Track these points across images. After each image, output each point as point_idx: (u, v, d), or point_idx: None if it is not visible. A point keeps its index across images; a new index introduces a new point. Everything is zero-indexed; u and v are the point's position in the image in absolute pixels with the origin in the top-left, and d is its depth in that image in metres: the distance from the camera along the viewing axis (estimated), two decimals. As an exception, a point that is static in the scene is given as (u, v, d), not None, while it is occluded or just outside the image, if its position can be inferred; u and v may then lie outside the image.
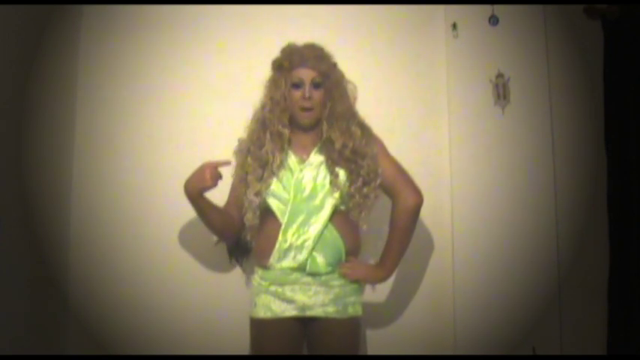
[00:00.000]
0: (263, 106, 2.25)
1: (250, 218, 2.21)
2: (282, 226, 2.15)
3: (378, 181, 2.18)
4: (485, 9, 2.63)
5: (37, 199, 2.36)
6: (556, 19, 2.64)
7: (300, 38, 2.26)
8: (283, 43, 2.27)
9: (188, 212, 2.30)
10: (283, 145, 2.20)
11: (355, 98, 2.27)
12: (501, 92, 2.61)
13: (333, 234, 2.16)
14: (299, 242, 2.14)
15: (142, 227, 2.62)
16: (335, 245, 2.17)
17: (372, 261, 2.39)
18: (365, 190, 2.16)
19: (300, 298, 2.15)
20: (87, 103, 2.68)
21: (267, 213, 2.21)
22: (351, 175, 2.16)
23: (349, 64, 2.31)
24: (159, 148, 2.66)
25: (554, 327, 2.51)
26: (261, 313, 2.17)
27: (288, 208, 2.15)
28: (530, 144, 2.59)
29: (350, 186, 2.15)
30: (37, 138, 2.36)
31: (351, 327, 2.18)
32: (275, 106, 2.20)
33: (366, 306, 2.27)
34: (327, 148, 2.19)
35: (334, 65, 2.25)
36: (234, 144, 2.30)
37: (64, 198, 2.60)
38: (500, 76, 2.62)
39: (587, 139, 2.61)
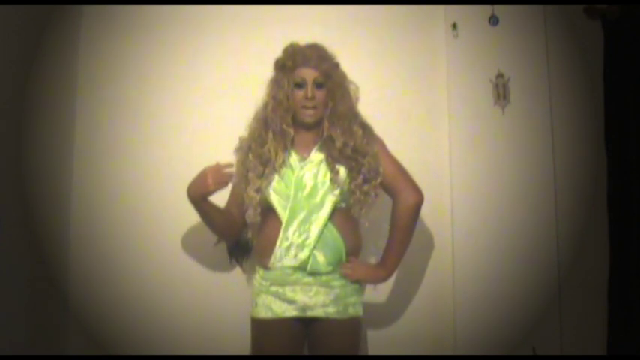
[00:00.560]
0: (265, 106, 2.25)
1: (251, 215, 2.21)
2: (283, 224, 2.15)
3: (379, 179, 2.18)
4: (485, 9, 2.63)
5: (37, 199, 2.36)
6: (556, 19, 2.64)
7: (301, 38, 2.26)
8: (284, 43, 2.26)
9: (188, 212, 2.30)
10: (286, 143, 2.20)
11: (357, 98, 2.28)
12: (501, 92, 2.61)
13: (333, 233, 2.16)
14: (300, 240, 2.14)
15: (142, 227, 2.62)
16: (335, 244, 2.17)
17: (373, 260, 2.39)
18: (365, 187, 2.16)
19: (301, 298, 2.15)
20: (87, 103, 2.68)
21: (267, 212, 2.21)
22: (352, 172, 2.16)
23: (349, 64, 2.31)
24: (159, 148, 2.66)
25: (554, 327, 2.51)
26: (262, 313, 2.17)
27: (289, 206, 2.15)
28: (530, 144, 2.59)
29: (350, 183, 2.15)
30: (37, 138, 2.36)
31: (351, 327, 2.18)
32: (278, 105, 2.20)
33: (366, 306, 2.27)
34: (327, 146, 2.19)
35: (337, 65, 2.25)
36: (235, 143, 2.30)
37: (64, 198, 2.60)
38: (500, 76, 2.62)
39: (587, 139, 2.61)
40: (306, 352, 2.24)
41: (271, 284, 2.18)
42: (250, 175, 2.20)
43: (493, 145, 2.60)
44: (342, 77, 2.25)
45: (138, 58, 2.70)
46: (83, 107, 2.68)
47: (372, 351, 2.57)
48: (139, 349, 2.54)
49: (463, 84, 2.63)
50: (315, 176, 2.17)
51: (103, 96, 2.68)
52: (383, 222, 2.27)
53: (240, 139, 2.29)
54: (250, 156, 2.22)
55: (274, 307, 2.16)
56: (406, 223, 2.21)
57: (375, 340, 2.57)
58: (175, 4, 2.70)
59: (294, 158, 2.21)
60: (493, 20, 2.63)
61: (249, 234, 2.29)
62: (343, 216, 2.18)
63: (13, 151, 2.19)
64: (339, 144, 2.17)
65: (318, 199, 2.16)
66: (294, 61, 2.19)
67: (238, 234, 2.36)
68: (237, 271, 2.56)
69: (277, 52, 2.26)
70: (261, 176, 2.19)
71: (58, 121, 2.56)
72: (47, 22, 2.42)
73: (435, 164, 2.65)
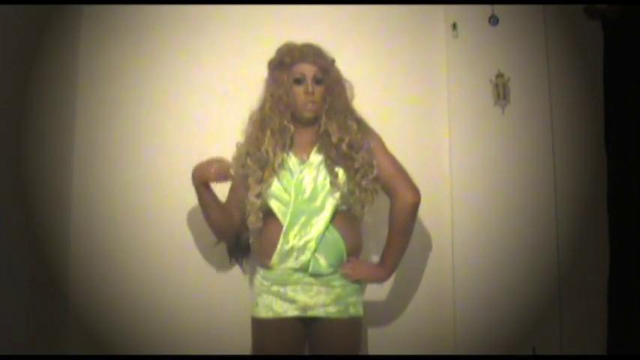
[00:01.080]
0: (262, 106, 2.25)
1: (253, 221, 2.21)
2: (284, 228, 2.15)
3: (375, 172, 2.17)
4: (485, 9, 2.63)
5: (37, 199, 2.36)
6: (556, 19, 2.64)
7: (300, 38, 2.26)
8: (282, 44, 2.27)
9: (188, 212, 2.31)
10: (285, 141, 2.20)
11: (352, 96, 2.28)
12: (501, 92, 2.61)
13: (334, 235, 2.16)
14: (301, 244, 2.14)
15: (142, 227, 2.61)
16: (336, 246, 2.17)
17: (375, 259, 2.39)
18: (363, 183, 2.16)
19: (302, 298, 2.15)
20: (87, 103, 2.68)
21: (268, 214, 2.21)
22: (349, 171, 2.16)
23: (349, 64, 2.32)
24: (159, 148, 2.66)
25: (554, 327, 2.51)
26: (263, 313, 2.17)
27: (290, 210, 2.15)
28: (530, 144, 2.59)
29: (349, 182, 2.15)
30: (37, 138, 2.36)
31: (352, 327, 2.18)
32: (278, 102, 2.20)
33: (366, 306, 2.27)
34: (325, 145, 2.19)
35: (332, 62, 2.26)
36: (234, 144, 2.30)
37: (64, 198, 2.60)
38: (500, 76, 2.62)
39: (587, 139, 2.61)
40: (307, 352, 2.24)
41: (272, 284, 2.18)
42: (250, 180, 2.20)
43: (493, 145, 2.60)
44: (338, 74, 2.26)
45: (138, 58, 2.70)
46: (83, 107, 2.68)
47: (372, 351, 2.57)
48: (139, 349, 2.54)
49: (463, 84, 2.63)
50: (315, 179, 2.17)
51: (103, 96, 2.68)
52: (383, 221, 2.27)
53: (237, 145, 2.28)
54: (249, 161, 2.21)
55: (275, 306, 2.16)
56: (404, 223, 2.21)
57: (376, 340, 2.57)
58: (175, 4, 2.70)
59: (293, 161, 2.20)
60: (493, 20, 2.63)
61: (250, 238, 2.28)
62: (344, 217, 2.18)
63: (13, 151, 2.19)
64: (334, 139, 2.16)
65: (318, 202, 2.15)
66: (293, 57, 2.19)
67: (236, 234, 2.36)
68: (238, 271, 2.56)
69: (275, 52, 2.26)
70: (260, 181, 2.18)
71: (58, 121, 2.56)
72: (47, 22, 2.42)
73: (435, 164, 2.65)
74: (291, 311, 2.15)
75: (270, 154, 2.18)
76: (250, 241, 2.31)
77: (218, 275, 2.60)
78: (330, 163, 2.17)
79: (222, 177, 2.21)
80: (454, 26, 2.65)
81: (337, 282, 2.17)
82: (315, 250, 2.14)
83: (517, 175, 2.57)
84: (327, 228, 2.15)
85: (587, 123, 2.61)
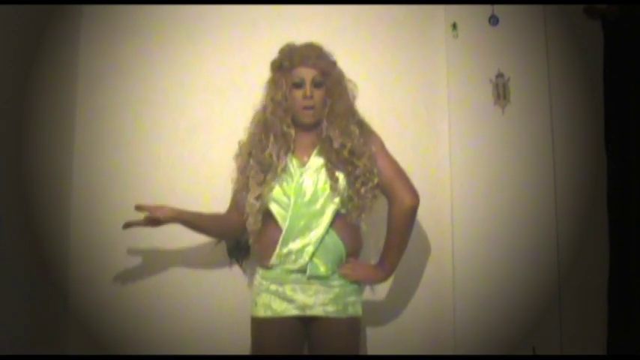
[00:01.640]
0: (264, 108, 2.25)
1: (252, 223, 2.21)
2: (283, 232, 2.15)
3: (375, 181, 2.17)
4: (485, 9, 2.63)
5: (37, 199, 2.36)
6: (556, 19, 2.64)
7: (300, 38, 2.26)
8: (283, 43, 2.27)
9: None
10: (289, 145, 2.20)
11: (355, 96, 2.27)
12: (501, 92, 2.61)
13: (333, 238, 2.16)
14: (300, 247, 2.14)
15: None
16: (336, 250, 2.17)
17: (373, 261, 2.39)
18: (362, 190, 2.15)
19: (301, 297, 2.15)
20: (87, 103, 2.68)
21: (268, 216, 2.21)
22: (349, 177, 2.15)
23: (349, 64, 2.31)
24: (159, 148, 2.66)
25: (554, 327, 2.51)
26: (262, 312, 2.17)
27: (289, 214, 2.15)
28: (530, 144, 2.59)
29: (348, 188, 2.15)
30: (37, 138, 2.36)
31: (350, 327, 2.18)
32: (277, 106, 2.20)
33: (366, 306, 2.27)
34: (326, 149, 2.18)
35: (334, 64, 2.24)
36: (233, 143, 2.30)
37: (64, 198, 2.60)
38: (500, 76, 2.62)
39: (587, 139, 2.61)
40: (306, 352, 2.24)
41: (271, 283, 2.18)
42: (251, 182, 2.20)
43: (493, 145, 2.59)
44: (340, 75, 2.25)
45: (138, 58, 2.70)
46: (83, 107, 2.68)
47: (371, 351, 2.56)
48: (139, 349, 2.54)
49: (463, 84, 2.63)
50: (316, 183, 2.17)
51: (103, 96, 2.68)
52: (383, 222, 2.27)
53: (239, 143, 2.28)
54: (252, 162, 2.21)
55: (274, 306, 2.16)
56: (402, 226, 2.20)
57: (375, 340, 2.57)
58: (175, 4, 2.70)
59: (293, 163, 2.20)
60: (493, 20, 2.63)
61: (250, 240, 2.28)
62: (344, 220, 2.18)
63: (13, 151, 2.19)
64: (336, 145, 2.16)
65: (318, 206, 2.15)
66: (292, 61, 2.18)
67: (238, 236, 2.36)
68: (238, 271, 2.56)
69: (277, 52, 2.26)
70: (261, 183, 2.18)
71: (58, 121, 2.56)
72: (47, 22, 2.42)
73: (435, 164, 2.65)
74: (290, 310, 2.15)
75: (274, 158, 2.17)
76: (250, 242, 2.30)
77: (218, 275, 2.60)
78: (330, 167, 2.16)
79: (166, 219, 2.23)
80: (454, 26, 2.65)
81: (336, 282, 2.17)
82: (314, 254, 2.14)
83: (517, 175, 2.57)
84: (326, 232, 2.15)
85: (587, 123, 2.61)
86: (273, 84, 2.23)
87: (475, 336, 2.51)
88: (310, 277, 2.14)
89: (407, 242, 2.23)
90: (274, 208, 2.18)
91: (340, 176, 2.16)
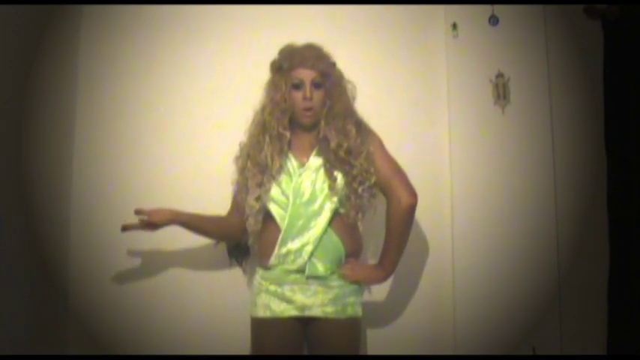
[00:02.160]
0: (263, 109, 2.25)
1: (252, 224, 2.21)
2: (282, 232, 2.15)
3: (372, 180, 2.17)
4: (485, 9, 2.63)
5: (37, 199, 2.36)
6: (556, 19, 2.64)
7: (300, 38, 2.26)
8: (283, 44, 2.27)
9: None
10: (283, 147, 2.19)
11: (354, 97, 2.27)
12: (501, 92, 2.61)
13: (332, 239, 2.16)
14: (298, 247, 2.14)
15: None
16: (334, 250, 2.17)
17: (373, 261, 2.39)
18: (359, 190, 2.15)
19: (300, 298, 2.15)
20: (87, 103, 2.68)
21: (268, 217, 2.21)
22: (346, 177, 2.15)
23: (349, 64, 2.31)
24: (159, 148, 2.66)
25: (554, 327, 2.51)
26: (261, 313, 2.17)
27: (288, 213, 2.15)
28: (530, 144, 2.59)
29: (346, 188, 2.15)
30: (37, 138, 2.36)
31: (350, 327, 2.17)
32: (275, 107, 2.20)
33: (366, 306, 2.27)
34: (324, 149, 2.18)
35: (333, 65, 2.24)
36: (233, 144, 2.31)
37: (64, 198, 2.60)
38: (500, 76, 2.62)
39: (587, 139, 2.61)
40: (306, 352, 2.24)
41: (270, 284, 2.18)
42: (250, 183, 2.20)
43: (493, 145, 2.59)
44: (339, 76, 2.25)
45: (138, 59, 2.70)
46: (83, 107, 2.68)
47: (371, 351, 2.56)
48: (139, 349, 2.54)
49: (463, 84, 2.63)
50: (314, 183, 2.17)
51: (103, 96, 2.68)
52: (383, 223, 2.27)
53: (240, 145, 2.29)
54: (249, 164, 2.21)
55: (273, 306, 2.16)
56: (400, 225, 2.19)
57: (375, 340, 2.57)
58: (175, 4, 2.70)
59: (292, 163, 2.20)
60: (493, 20, 2.63)
61: (250, 241, 2.28)
62: (342, 219, 2.18)
63: (13, 151, 2.19)
64: (333, 145, 2.16)
65: (316, 205, 2.15)
66: (291, 62, 2.18)
67: (238, 238, 2.36)
68: (238, 271, 2.56)
69: (276, 52, 2.26)
70: (260, 184, 2.18)
71: (58, 121, 2.56)
72: (47, 22, 2.42)
73: (435, 164, 2.65)
74: (289, 311, 2.15)
75: (269, 159, 2.17)
76: (250, 243, 2.30)
77: (218, 275, 2.60)
78: (329, 167, 2.16)
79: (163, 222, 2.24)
80: (454, 26, 2.65)
81: (335, 282, 2.17)
82: (313, 254, 2.13)
83: (517, 175, 2.57)
84: (325, 232, 2.14)
85: (587, 123, 2.61)
86: (273, 85, 2.22)
87: (475, 336, 2.51)
88: (309, 277, 2.14)
89: (406, 242, 2.23)
90: (273, 208, 2.18)
91: (338, 176, 2.16)
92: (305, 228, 2.14)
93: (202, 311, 2.57)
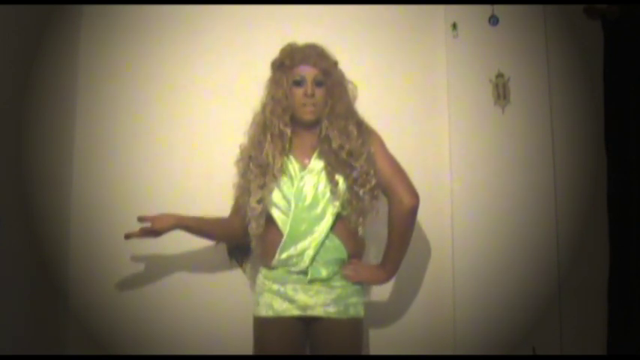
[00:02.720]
0: (263, 108, 2.24)
1: (254, 227, 2.20)
2: (284, 238, 2.14)
3: (373, 182, 2.16)
4: (485, 9, 2.63)
5: (37, 199, 2.36)
6: (556, 19, 2.64)
7: (300, 38, 2.26)
8: (283, 44, 2.26)
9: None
10: (284, 145, 2.19)
11: (355, 97, 2.27)
12: (501, 92, 2.61)
13: (334, 242, 2.16)
14: (300, 252, 2.13)
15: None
16: (337, 253, 2.16)
17: (375, 262, 2.39)
18: (360, 192, 2.14)
19: (302, 297, 2.14)
20: (87, 103, 2.68)
21: (270, 219, 2.20)
22: (347, 180, 2.14)
23: (349, 64, 2.31)
24: (159, 148, 2.66)
25: (554, 327, 2.51)
26: (263, 312, 2.17)
27: (290, 218, 2.14)
28: (530, 144, 2.59)
29: (347, 191, 2.14)
30: (37, 138, 2.36)
31: (352, 328, 2.17)
32: (276, 105, 2.19)
33: (367, 306, 2.26)
34: (325, 150, 2.17)
35: (335, 64, 2.24)
36: (233, 145, 2.30)
37: (64, 198, 2.60)
38: (500, 76, 2.62)
39: (587, 139, 2.61)
40: (308, 352, 2.24)
41: (273, 283, 2.18)
42: (252, 186, 2.19)
43: (493, 145, 2.59)
44: (341, 76, 2.25)
45: (138, 59, 2.70)
46: (83, 107, 2.68)
47: (372, 351, 2.56)
48: (139, 349, 2.54)
49: (463, 84, 2.63)
50: (316, 186, 2.16)
51: (103, 96, 2.68)
52: (385, 224, 2.26)
53: (240, 147, 2.28)
54: (251, 165, 2.21)
55: (275, 305, 2.16)
56: (402, 226, 2.19)
57: (376, 340, 2.57)
58: (175, 4, 2.70)
59: (294, 166, 2.19)
60: (493, 20, 2.63)
61: (253, 244, 2.27)
62: (344, 223, 2.17)
63: (13, 151, 2.19)
64: (334, 145, 2.15)
65: (319, 210, 2.14)
66: (293, 59, 2.18)
67: (240, 241, 2.36)
68: (239, 271, 2.56)
69: (277, 52, 2.25)
70: (262, 186, 2.17)
71: (58, 121, 2.56)
72: (47, 22, 2.42)
73: (435, 164, 2.65)
74: (291, 310, 2.15)
75: (270, 158, 2.17)
76: (252, 246, 2.30)
77: (219, 275, 2.60)
78: (330, 170, 2.15)
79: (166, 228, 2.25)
80: (454, 26, 2.65)
81: (338, 282, 2.16)
82: (315, 258, 2.13)
83: (517, 175, 2.57)
84: (327, 236, 2.14)
85: (587, 123, 2.61)
86: (274, 82, 2.22)
87: (475, 336, 2.51)
88: (312, 281, 2.14)
89: (408, 243, 2.22)
90: (275, 212, 2.17)
91: (340, 179, 2.15)
92: (308, 232, 2.13)
93: (203, 311, 2.57)
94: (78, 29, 2.69)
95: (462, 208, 2.58)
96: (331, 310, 2.14)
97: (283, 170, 2.18)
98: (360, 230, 2.19)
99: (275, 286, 2.17)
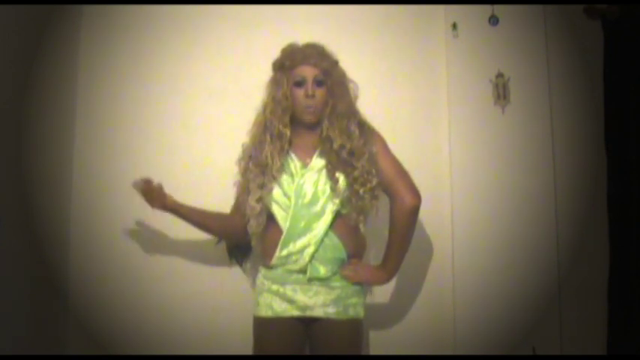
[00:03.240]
0: (264, 108, 2.24)
1: (254, 226, 2.20)
2: (284, 233, 2.14)
3: (374, 182, 2.16)
4: (485, 9, 2.63)
5: (37, 199, 2.36)
6: (556, 19, 2.64)
7: (300, 38, 2.25)
8: (283, 44, 2.26)
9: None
10: (283, 146, 2.19)
11: (356, 97, 2.27)
12: (501, 92, 2.61)
13: (333, 241, 2.16)
14: (300, 248, 2.13)
15: (142, 227, 2.61)
16: (336, 251, 2.16)
17: (376, 263, 2.39)
18: (361, 191, 2.14)
19: (301, 298, 2.14)
20: (87, 103, 2.68)
21: (270, 218, 2.20)
22: (348, 179, 2.14)
23: (349, 64, 2.31)
24: (159, 148, 2.66)
25: (554, 327, 2.51)
26: (263, 312, 2.17)
27: (290, 214, 2.14)
28: (530, 144, 2.59)
29: (347, 189, 2.14)
30: (37, 138, 2.36)
31: (351, 328, 2.17)
32: (277, 105, 2.19)
33: (366, 306, 2.26)
34: (326, 150, 2.17)
35: (336, 63, 2.23)
36: (235, 144, 2.30)
37: (64, 198, 2.60)
38: (500, 76, 2.62)
39: (587, 139, 2.61)
40: (308, 352, 2.23)
41: (272, 283, 2.18)
42: (251, 185, 2.19)
43: (493, 145, 2.60)
44: (342, 75, 2.24)
45: (138, 59, 2.70)
46: (83, 107, 2.68)
47: (372, 351, 2.57)
48: (139, 349, 2.54)
49: (463, 84, 2.63)
50: (316, 184, 2.16)
51: (103, 96, 2.68)
52: (386, 224, 2.26)
53: (242, 146, 2.28)
54: (251, 165, 2.21)
55: (275, 306, 2.16)
56: (403, 226, 2.18)
57: (376, 340, 2.57)
58: (176, 4, 2.70)
59: (295, 164, 2.19)
60: (493, 20, 2.63)
61: (253, 242, 2.27)
62: (344, 221, 2.17)
63: (13, 151, 2.19)
64: (335, 145, 2.15)
65: (318, 207, 2.14)
66: (293, 60, 2.17)
67: (240, 240, 2.35)
68: (239, 271, 2.56)
69: (278, 53, 2.25)
70: (262, 185, 2.18)
71: (58, 121, 2.56)
72: (47, 22, 2.42)
73: (435, 164, 2.65)
74: (290, 311, 2.15)
75: (269, 158, 2.17)
76: (253, 244, 2.30)
77: (219, 275, 2.60)
78: (330, 168, 2.15)
79: (156, 202, 2.24)
80: (454, 26, 2.65)
81: (337, 283, 2.16)
82: (314, 256, 2.13)
83: (517, 175, 2.57)
84: (326, 233, 2.14)
85: (587, 123, 2.61)
86: (275, 83, 2.22)
87: (475, 336, 2.51)
88: (310, 279, 2.14)
89: (409, 243, 2.22)
90: (275, 209, 2.18)
91: (340, 177, 2.15)
92: (307, 229, 2.13)
93: (203, 311, 2.57)
94: (78, 29, 2.69)
95: (462, 208, 2.58)
96: (331, 311, 2.14)
97: (284, 169, 2.18)
98: (361, 227, 2.19)
99: (274, 287, 2.17)
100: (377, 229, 2.31)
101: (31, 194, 2.31)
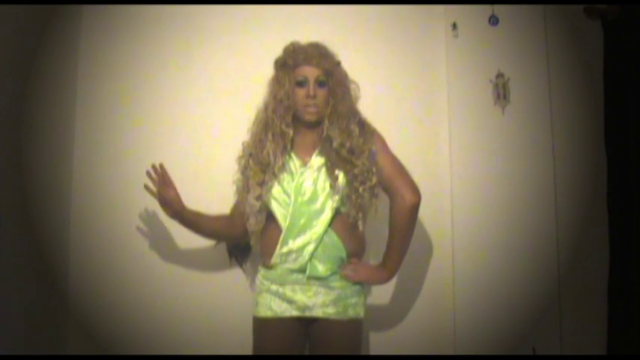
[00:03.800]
0: (266, 107, 2.24)
1: (253, 224, 2.20)
2: (284, 230, 2.15)
3: (374, 180, 2.16)
4: (485, 9, 2.63)
5: (37, 199, 2.36)
6: (556, 19, 2.64)
7: (301, 38, 2.25)
8: (284, 43, 2.26)
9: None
10: (285, 145, 2.19)
11: (357, 97, 2.27)
12: (501, 92, 2.61)
13: (332, 239, 2.16)
14: (299, 246, 2.13)
15: (142, 227, 2.62)
16: (335, 250, 2.16)
17: (376, 262, 2.39)
18: (360, 189, 2.14)
19: (300, 298, 2.14)
20: (87, 103, 2.68)
21: (269, 216, 2.20)
22: (347, 176, 2.15)
23: (349, 64, 2.31)
24: (159, 148, 2.65)
25: (554, 327, 2.51)
26: (262, 312, 2.17)
27: (289, 212, 2.15)
28: (530, 144, 2.59)
29: (347, 187, 2.15)
30: (37, 138, 2.36)
31: (351, 328, 2.17)
32: (278, 104, 2.19)
33: (366, 306, 2.26)
34: (326, 148, 2.18)
35: (338, 64, 2.24)
36: (236, 144, 2.30)
37: (64, 198, 2.60)
38: (500, 76, 2.62)
39: (587, 139, 2.61)
40: (307, 353, 2.23)
41: (272, 283, 2.18)
42: (251, 182, 2.19)
43: (493, 145, 2.60)
44: (343, 76, 2.24)
45: (138, 58, 2.70)
46: (83, 107, 2.68)
47: (372, 351, 2.57)
48: (139, 349, 2.54)
49: (463, 84, 2.63)
50: (316, 182, 2.16)
51: (102, 96, 2.68)
52: (386, 223, 2.27)
53: (243, 144, 2.28)
54: (251, 162, 2.21)
55: (274, 306, 2.16)
56: (403, 224, 2.18)
57: (376, 340, 2.57)
58: (175, 4, 2.70)
59: (294, 162, 2.20)
60: (493, 20, 2.63)
61: (252, 241, 2.27)
62: (344, 220, 2.17)
63: (13, 151, 2.19)
64: (335, 144, 2.15)
65: (318, 204, 2.14)
66: (296, 60, 2.18)
67: (240, 239, 2.35)
68: (239, 271, 2.57)
69: (278, 52, 2.25)
70: (261, 183, 2.18)
71: (58, 121, 2.56)
72: (47, 22, 2.42)
73: (435, 164, 2.65)
74: (290, 311, 2.15)
75: (271, 157, 2.17)
76: (252, 243, 2.30)
77: (219, 275, 2.60)
78: (330, 166, 2.16)
79: (167, 204, 2.25)
80: (454, 26, 2.65)
81: (337, 283, 2.16)
82: (314, 254, 2.13)
83: (517, 175, 2.57)
84: (326, 231, 2.14)
85: (587, 123, 2.61)
86: (276, 82, 2.22)
87: (475, 336, 2.51)
88: (309, 278, 2.14)
89: (409, 241, 2.22)
90: (275, 206, 2.18)
91: (340, 175, 2.15)
92: (307, 227, 2.13)
93: (203, 311, 2.57)
94: (78, 29, 2.69)
95: (462, 208, 2.58)
96: (330, 311, 2.13)
97: (284, 167, 2.19)
98: (360, 226, 2.19)
99: (274, 287, 2.17)
100: (377, 229, 2.31)
101: (31, 194, 2.31)
